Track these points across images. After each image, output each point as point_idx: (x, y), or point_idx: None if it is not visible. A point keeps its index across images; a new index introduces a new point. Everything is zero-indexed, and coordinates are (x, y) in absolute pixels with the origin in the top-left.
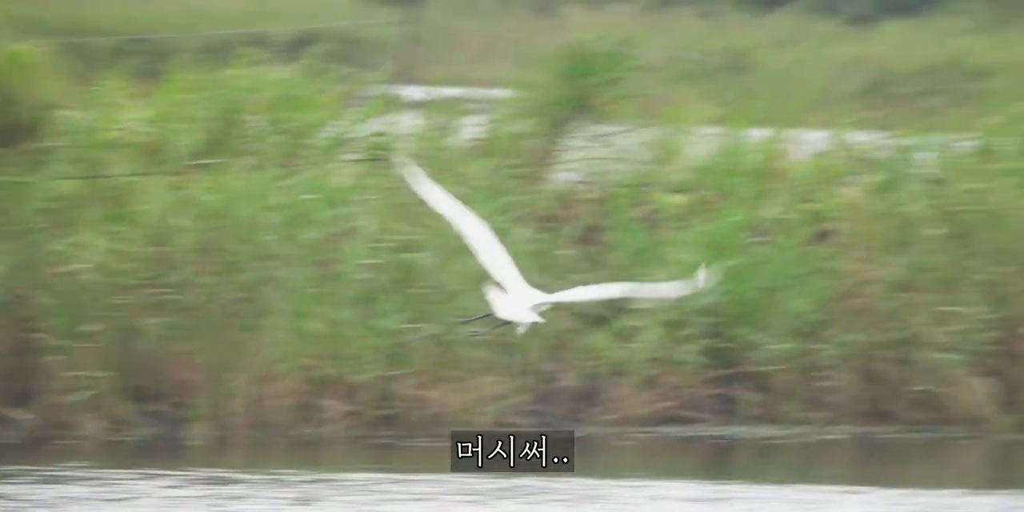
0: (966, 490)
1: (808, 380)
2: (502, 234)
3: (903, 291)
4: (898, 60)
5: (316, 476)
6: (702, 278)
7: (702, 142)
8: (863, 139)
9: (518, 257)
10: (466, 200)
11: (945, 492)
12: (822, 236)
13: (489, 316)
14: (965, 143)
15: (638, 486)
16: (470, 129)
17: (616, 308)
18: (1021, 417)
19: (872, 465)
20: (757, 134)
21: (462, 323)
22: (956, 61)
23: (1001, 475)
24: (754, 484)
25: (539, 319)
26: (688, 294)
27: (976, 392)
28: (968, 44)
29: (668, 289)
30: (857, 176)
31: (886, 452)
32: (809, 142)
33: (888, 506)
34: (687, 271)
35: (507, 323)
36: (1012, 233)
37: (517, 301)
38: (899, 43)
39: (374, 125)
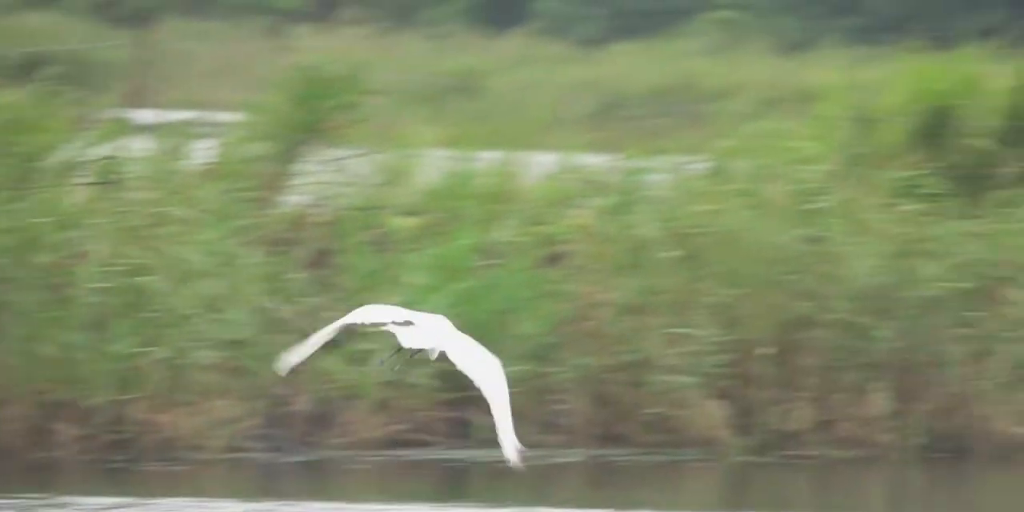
0: None
1: (541, 403)
2: (232, 258)
3: (634, 314)
4: (628, 82)
5: (53, 500)
6: (516, 454)
7: (433, 165)
8: (594, 161)
9: (249, 282)
10: (196, 224)
11: None
12: (553, 259)
13: (400, 350)
14: (696, 165)
15: (373, 510)
16: (201, 153)
17: (349, 332)
18: (755, 439)
19: (607, 488)
20: (488, 157)
21: (380, 364)
22: (687, 83)
23: (735, 497)
24: (490, 507)
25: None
26: (509, 460)
27: (710, 414)
28: (699, 66)
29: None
30: (588, 198)
31: (621, 475)
32: (540, 164)
33: None
34: (418, 294)
35: (419, 351)
36: (743, 255)
37: (423, 330)
38: (629, 65)
39: (105, 148)
